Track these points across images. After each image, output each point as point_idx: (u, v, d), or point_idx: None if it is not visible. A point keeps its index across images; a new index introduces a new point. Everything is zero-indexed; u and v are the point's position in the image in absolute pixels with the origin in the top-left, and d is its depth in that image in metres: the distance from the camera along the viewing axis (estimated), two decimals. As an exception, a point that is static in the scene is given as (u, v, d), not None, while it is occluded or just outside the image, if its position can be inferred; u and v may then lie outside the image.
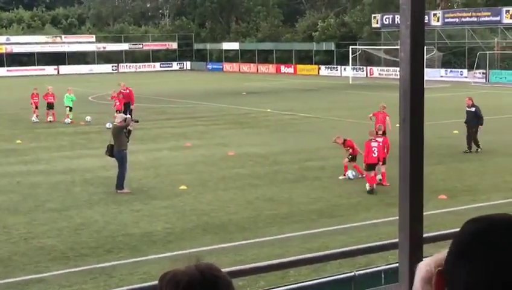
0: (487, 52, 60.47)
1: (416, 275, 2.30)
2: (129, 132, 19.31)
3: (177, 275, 2.01)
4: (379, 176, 19.22)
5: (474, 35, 65.25)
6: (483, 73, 60.86)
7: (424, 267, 2.27)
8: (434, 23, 66.78)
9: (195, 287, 2.00)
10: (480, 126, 24.31)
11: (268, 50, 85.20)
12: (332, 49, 76.86)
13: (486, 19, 64.18)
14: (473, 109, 24.46)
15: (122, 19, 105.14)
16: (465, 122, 24.66)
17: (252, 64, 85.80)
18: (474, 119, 24.21)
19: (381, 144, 19.01)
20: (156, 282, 2.12)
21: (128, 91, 34.46)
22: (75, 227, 15.19)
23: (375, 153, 18.73)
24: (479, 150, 23.95)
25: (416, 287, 2.27)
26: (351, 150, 19.99)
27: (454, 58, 67.06)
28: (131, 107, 34.04)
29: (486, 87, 54.33)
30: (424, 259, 2.34)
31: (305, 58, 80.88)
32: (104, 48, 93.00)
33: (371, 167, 18.64)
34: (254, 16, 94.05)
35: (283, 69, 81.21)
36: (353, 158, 19.88)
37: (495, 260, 1.40)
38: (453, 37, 68.14)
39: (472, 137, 24.05)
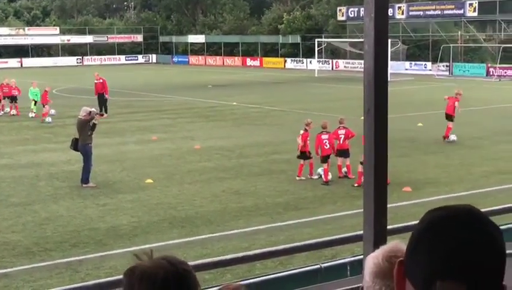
0: (451, 45, 61.12)
1: (365, 269, 2.31)
2: (94, 125, 19.15)
3: (149, 270, 1.98)
4: (344, 169, 19.34)
5: (438, 28, 65.87)
6: (446, 66, 61.51)
7: (371, 261, 2.29)
8: (398, 16, 67.26)
9: (171, 281, 1.98)
10: None
11: (234, 43, 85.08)
12: (298, 42, 77.03)
13: (450, 12, 64.82)
14: None
15: (87, 11, 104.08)
16: None
17: (217, 57, 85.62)
18: None
19: (342, 135, 19.09)
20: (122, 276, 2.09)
21: (101, 81, 34.54)
22: (39, 222, 15.04)
23: (326, 145, 18.84)
24: None
25: (366, 281, 2.29)
26: (301, 144, 19.38)
27: (418, 51, 67.65)
28: (106, 97, 34.15)
29: (449, 80, 54.90)
30: (369, 255, 2.35)
31: (271, 51, 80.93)
32: (69, 40, 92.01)
33: (324, 159, 18.74)
34: (220, 9, 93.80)
35: (249, 62, 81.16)
36: (302, 155, 19.35)
37: (451, 248, 1.43)
38: (417, 30, 68.71)
39: None
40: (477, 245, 1.43)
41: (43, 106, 32.72)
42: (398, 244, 2.34)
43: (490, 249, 1.45)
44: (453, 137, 24.59)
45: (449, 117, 25.03)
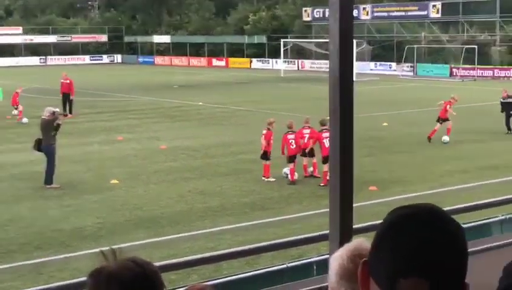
0: (415, 46, 61.70)
1: (330, 270, 2.30)
2: (58, 125, 18.95)
3: (116, 272, 1.96)
4: (310, 168, 19.40)
5: (403, 29, 66.47)
6: (411, 66, 62.09)
7: (336, 262, 2.28)
8: (363, 17, 67.77)
9: (139, 282, 1.96)
10: None
11: (200, 43, 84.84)
12: (264, 42, 77.09)
13: (414, 13, 65.50)
14: (511, 100, 26.87)
15: (50, 11, 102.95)
16: (502, 112, 27.02)
17: (183, 58, 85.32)
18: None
19: (307, 135, 19.15)
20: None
21: (69, 82, 34.33)
22: (2, 223, 14.84)
23: (293, 145, 18.89)
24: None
25: (331, 282, 2.28)
26: (264, 144, 19.31)
27: (383, 51, 68.19)
28: (72, 98, 33.93)
29: (414, 80, 55.48)
30: (334, 254, 2.34)
31: (236, 51, 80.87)
32: (32, 40, 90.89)
33: (290, 158, 18.79)
34: (185, 9, 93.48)
35: (215, 62, 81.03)
36: (264, 155, 19.30)
37: (413, 247, 1.44)
38: (382, 31, 69.27)
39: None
40: (438, 243, 1.45)
41: (15, 108, 32.45)
42: (362, 243, 2.34)
43: (451, 247, 1.46)
44: (446, 138, 24.85)
45: (440, 119, 25.38)
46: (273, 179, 18.89)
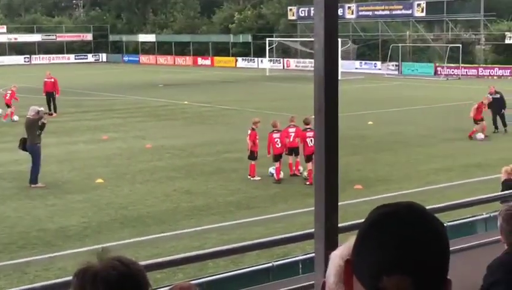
0: (400, 44, 61.92)
1: (330, 268, 2.27)
2: (43, 124, 18.86)
3: (102, 271, 1.96)
4: (300, 167, 19.42)
5: (388, 28, 66.68)
6: (396, 65, 62.30)
7: (337, 261, 2.25)
8: (348, 16, 67.90)
9: (125, 281, 1.96)
10: (504, 110, 26.46)
11: (185, 42, 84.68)
12: (249, 41, 77.05)
13: (399, 12, 65.73)
14: (498, 96, 26.45)
15: (35, 9, 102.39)
16: (489, 108, 26.40)
17: (168, 57, 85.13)
18: (500, 103, 26.28)
19: (292, 134, 19.18)
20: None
21: (53, 80, 34.17)
22: (-14, 223, 14.75)
23: (278, 144, 18.91)
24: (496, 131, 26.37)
25: (330, 282, 2.25)
26: (250, 144, 19.31)
27: (368, 50, 68.38)
28: (56, 96, 34.06)
29: (399, 79, 55.66)
30: (334, 253, 2.32)
31: (222, 50, 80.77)
32: (16, 39, 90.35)
33: (276, 157, 18.81)
34: (171, 8, 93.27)
35: (200, 61, 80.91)
36: (251, 155, 19.29)
37: (395, 245, 1.45)
38: (367, 30, 69.45)
39: (501, 119, 26.33)
40: (420, 241, 1.46)
41: (8, 106, 32.23)
42: None
43: (434, 244, 1.48)
44: (479, 136, 25.13)
45: (476, 121, 25.46)
46: (259, 178, 18.90)
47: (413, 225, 1.48)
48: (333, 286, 2.22)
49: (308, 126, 18.44)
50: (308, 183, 17.89)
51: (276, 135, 19.02)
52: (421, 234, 1.47)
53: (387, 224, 1.49)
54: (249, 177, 18.98)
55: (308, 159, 18.11)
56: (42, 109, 19.94)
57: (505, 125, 26.53)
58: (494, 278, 4.14)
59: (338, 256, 2.26)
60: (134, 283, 1.97)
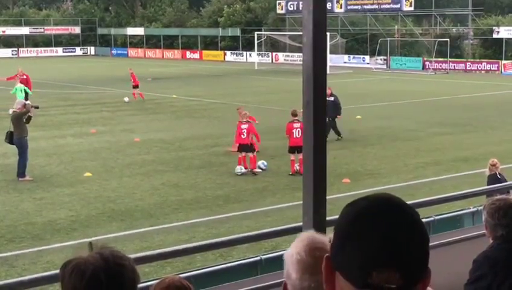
0: (388, 39, 62.05)
1: (288, 266, 2.27)
2: (29, 118, 18.79)
3: (80, 265, 1.98)
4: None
5: (376, 22, 66.77)
6: (384, 59, 62.43)
7: (294, 257, 2.24)
8: (337, 10, 67.92)
9: (100, 276, 1.97)
10: (338, 116, 23.85)
11: (174, 35, 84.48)
12: (238, 34, 76.95)
13: (387, 6, 65.80)
14: (332, 99, 23.25)
15: (23, 2, 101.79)
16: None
17: (157, 50, 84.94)
18: (333, 109, 22.90)
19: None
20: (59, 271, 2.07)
21: (25, 77, 33.60)
22: (-26, 217, 14.70)
23: (244, 135, 18.99)
24: (339, 138, 23.63)
25: (292, 279, 2.24)
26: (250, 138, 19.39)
27: (357, 44, 68.45)
28: (30, 92, 33.35)
29: (387, 73, 55.78)
30: (287, 253, 2.31)
31: (210, 43, 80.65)
32: (4, 31, 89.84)
33: (242, 148, 19.01)
34: (159, 1, 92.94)
35: (189, 54, 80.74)
36: (251, 147, 19.31)
37: (380, 241, 1.46)
38: (355, 24, 69.53)
39: (332, 126, 23.21)
40: (405, 233, 1.47)
41: None
42: (313, 236, 2.34)
43: (417, 235, 1.50)
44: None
45: None
46: (246, 170, 18.86)
47: (396, 219, 1.49)
48: (297, 281, 2.23)
49: (295, 118, 18.58)
50: (291, 173, 18.45)
51: (244, 126, 19.13)
52: (406, 226, 1.49)
53: (370, 219, 1.49)
54: (251, 170, 18.87)
55: (291, 150, 18.64)
56: (28, 102, 19.86)
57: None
58: (479, 271, 4.16)
59: (295, 253, 2.27)
60: (111, 278, 1.98)
